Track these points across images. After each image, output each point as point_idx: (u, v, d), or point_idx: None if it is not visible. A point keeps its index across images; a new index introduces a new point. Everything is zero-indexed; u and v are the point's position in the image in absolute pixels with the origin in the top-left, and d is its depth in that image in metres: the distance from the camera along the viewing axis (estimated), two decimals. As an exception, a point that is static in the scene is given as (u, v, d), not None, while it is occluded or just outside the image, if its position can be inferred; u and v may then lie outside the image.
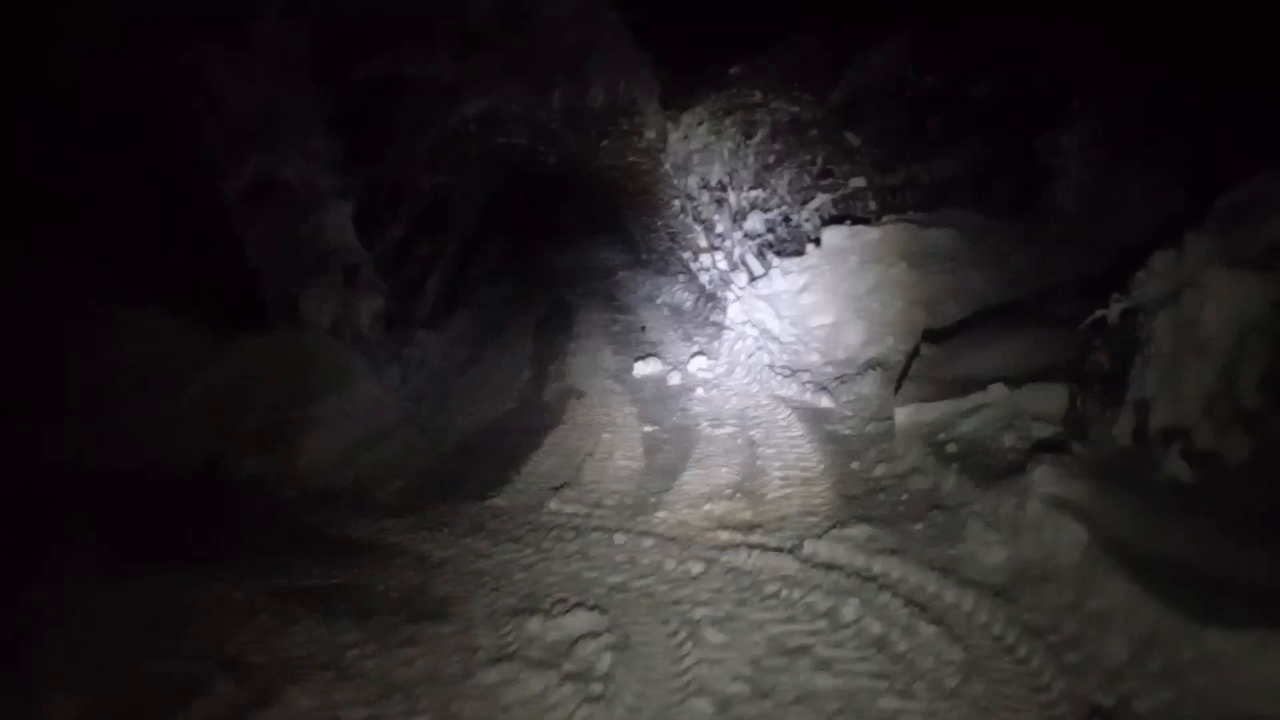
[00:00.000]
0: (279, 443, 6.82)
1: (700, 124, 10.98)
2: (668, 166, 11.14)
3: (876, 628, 3.90)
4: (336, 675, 3.87)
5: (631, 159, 11.63)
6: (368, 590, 4.76)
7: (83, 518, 5.52)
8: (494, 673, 3.78)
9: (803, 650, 3.78)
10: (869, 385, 7.94)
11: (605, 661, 3.77)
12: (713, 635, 3.92)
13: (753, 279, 10.50)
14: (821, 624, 4.00)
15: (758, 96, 10.86)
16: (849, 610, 4.04)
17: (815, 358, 9.12)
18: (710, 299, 11.52)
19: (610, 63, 11.15)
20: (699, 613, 4.15)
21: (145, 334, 7.29)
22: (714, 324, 10.93)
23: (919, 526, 4.90)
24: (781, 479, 6.07)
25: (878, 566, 4.47)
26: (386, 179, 10.58)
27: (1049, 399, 5.66)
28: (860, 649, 3.78)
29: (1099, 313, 4.94)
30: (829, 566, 4.52)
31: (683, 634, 3.98)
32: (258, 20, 8.88)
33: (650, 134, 11.02)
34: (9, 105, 7.89)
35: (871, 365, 8.42)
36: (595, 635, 3.97)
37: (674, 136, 10.93)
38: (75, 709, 3.52)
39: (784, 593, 4.30)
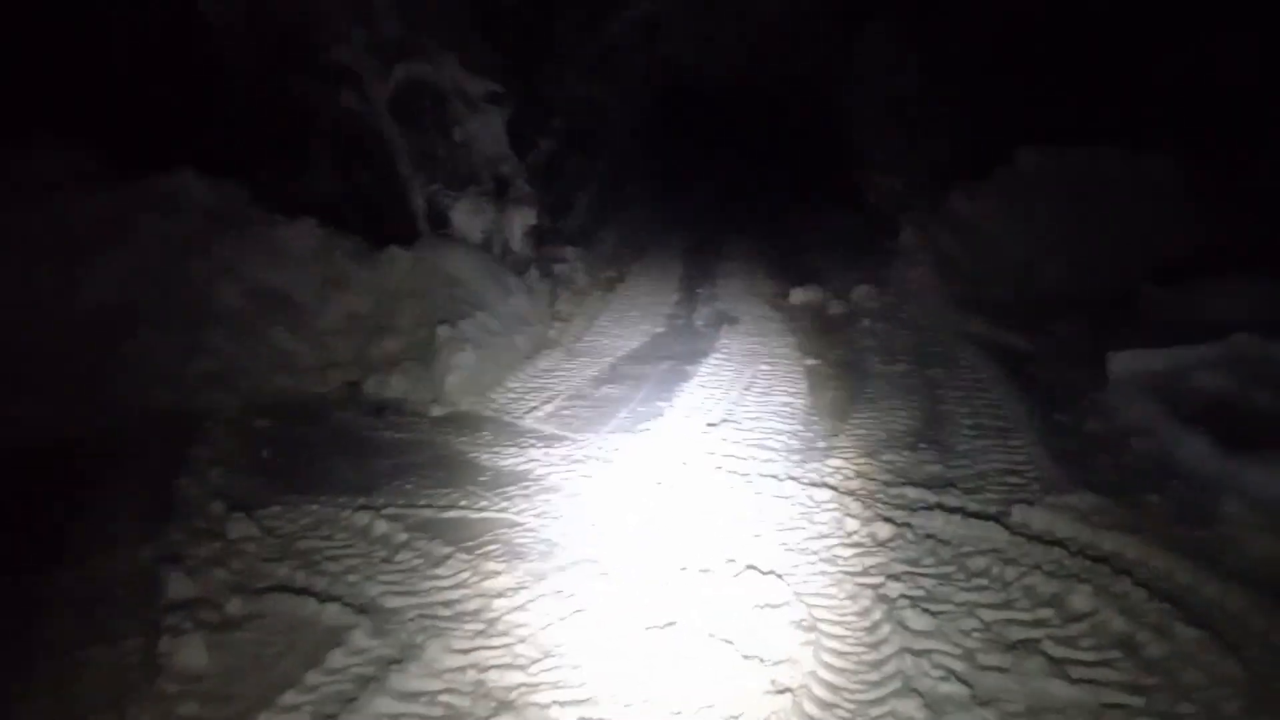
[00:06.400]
0: (426, 361, 6.52)
1: (883, 33, 9.93)
2: (843, 77, 10.17)
3: (1119, 624, 3.21)
4: (485, 629, 3.48)
5: (803, 70, 10.69)
6: (518, 528, 4.37)
7: (221, 445, 5.35)
8: (661, 641, 3.31)
9: (1028, 646, 3.14)
10: (1070, 326, 7.04)
11: (789, 641, 3.24)
12: (914, 619, 3.32)
13: (932, 203, 9.55)
14: (1047, 613, 3.34)
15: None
16: (1080, 599, 3.36)
17: (1003, 292, 8.24)
18: (882, 222, 10.62)
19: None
20: (894, 588, 3.55)
21: (294, 252, 7.10)
22: (883, 250, 10.07)
23: (1154, 498, 4.14)
24: (973, 427, 5.37)
25: (1109, 544, 3.76)
26: (542, 89, 10.07)
27: (1317, 352, 4.72)
28: (1101, 651, 3.11)
29: None
30: (1048, 540, 3.84)
31: (877, 614, 3.40)
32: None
33: (825, 44, 10.04)
34: (151, 27, 7.78)
35: (1069, 304, 7.48)
36: (774, 607, 3.44)
37: (858, 46, 9.91)
38: (204, 652, 3.26)
39: (995, 570, 3.65)
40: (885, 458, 4.97)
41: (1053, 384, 5.98)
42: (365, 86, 8.03)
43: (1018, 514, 4.05)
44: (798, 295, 8.97)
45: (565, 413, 6.14)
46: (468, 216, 7.81)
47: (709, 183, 16.47)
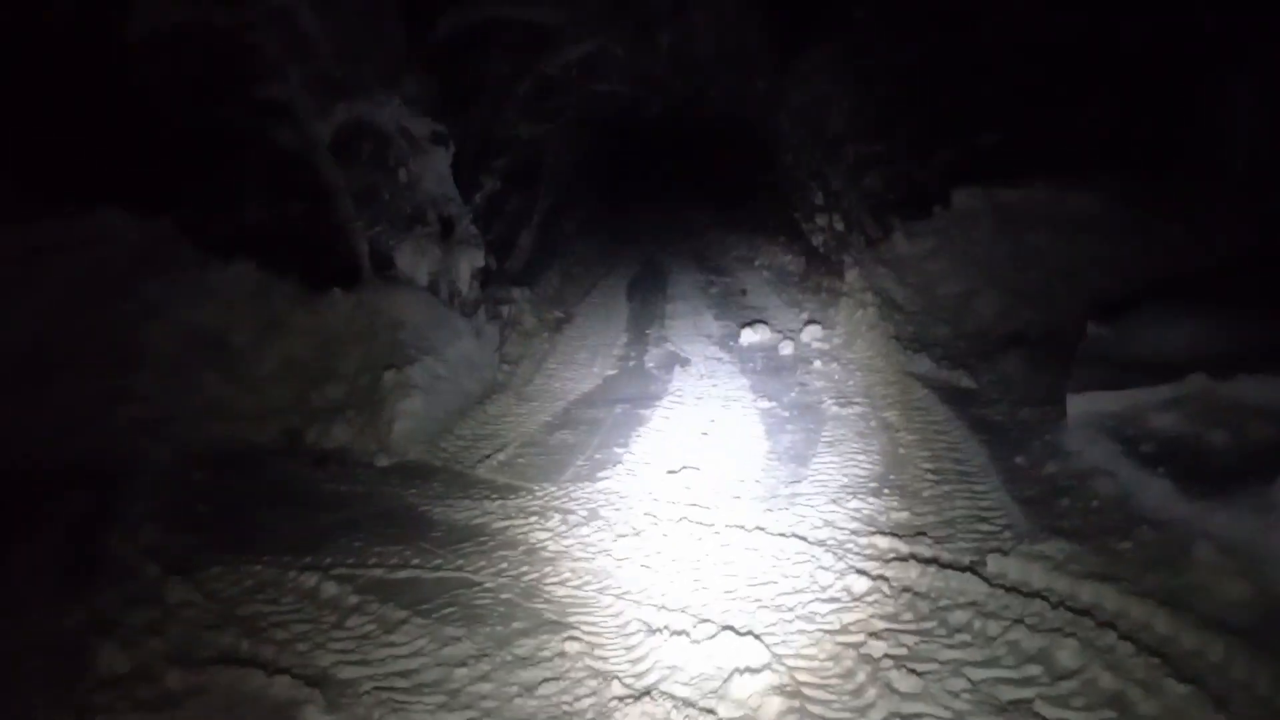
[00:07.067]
0: (371, 408, 6.27)
1: (818, 72, 10.04)
2: (780, 117, 10.24)
3: (1108, 680, 3.13)
4: (446, 702, 3.27)
5: (740, 109, 10.76)
6: (475, 588, 4.16)
7: (153, 499, 5.03)
8: (636, 712, 3.13)
9: (1021, 707, 3.04)
10: (1013, 364, 7.10)
11: (772, 709, 3.08)
12: (900, 680, 3.20)
13: (871, 242, 9.63)
14: (1035, 670, 3.24)
15: (884, 41, 9.86)
16: (1067, 654, 3.27)
17: (944, 330, 8.30)
18: (822, 262, 10.68)
19: (720, 5, 10.27)
20: (876, 647, 3.43)
21: (227, 293, 6.79)
22: (825, 290, 10.11)
23: (1126, 544, 4.09)
24: (934, 471, 5.31)
25: (1088, 595, 3.69)
26: (481, 128, 9.93)
27: (1272, 392, 4.77)
28: (1094, 711, 3.01)
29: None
30: (1026, 592, 3.76)
31: (861, 675, 3.27)
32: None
33: (762, 83, 10.11)
34: (85, 53, 7.45)
35: (1009, 340, 7.57)
36: (753, 671, 3.28)
37: (789, 85, 10.01)
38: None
39: (977, 624, 3.55)
40: (851, 505, 4.87)
41: (1004, 424, 5.98)
42: (303, 124, 7.78)
43: (993, 564, 3.97)
44: (748, 336, 8.93)
45: (519, 461, 5.95)
46: (413, 258, 7.60)
47: (650, 219, 16.48)
